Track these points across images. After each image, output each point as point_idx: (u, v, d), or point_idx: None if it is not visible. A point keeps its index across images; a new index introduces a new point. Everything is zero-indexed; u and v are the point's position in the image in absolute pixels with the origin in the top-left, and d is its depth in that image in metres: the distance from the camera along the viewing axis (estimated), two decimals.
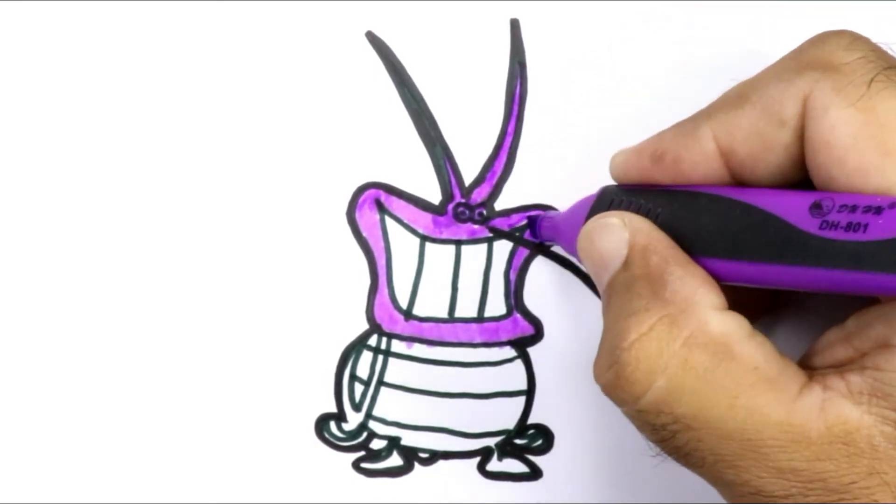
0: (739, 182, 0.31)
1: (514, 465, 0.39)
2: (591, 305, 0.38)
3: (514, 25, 0.37)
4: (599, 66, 0.37)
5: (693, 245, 0.30)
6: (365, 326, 0.38)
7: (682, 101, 0.38)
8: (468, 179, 0.38)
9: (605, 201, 0.33)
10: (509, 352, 0.38)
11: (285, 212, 0.38)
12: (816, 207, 0.27)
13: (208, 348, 0.38)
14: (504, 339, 0.38)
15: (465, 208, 0.38)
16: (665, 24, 0.37)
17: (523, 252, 0.38)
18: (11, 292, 0.38)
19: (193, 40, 0.37)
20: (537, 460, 0.39)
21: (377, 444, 0.39)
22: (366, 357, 0.38)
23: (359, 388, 0.38)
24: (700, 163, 0.31)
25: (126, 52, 0.37)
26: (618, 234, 0.31)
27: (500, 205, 0.38)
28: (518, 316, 0.38)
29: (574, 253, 0.33)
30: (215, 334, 0.38)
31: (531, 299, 0.38)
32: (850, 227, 0.26)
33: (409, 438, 0.39)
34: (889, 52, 0.30)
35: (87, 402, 0.38)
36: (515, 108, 0.38)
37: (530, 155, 0.38)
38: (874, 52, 0.28)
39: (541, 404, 0.38)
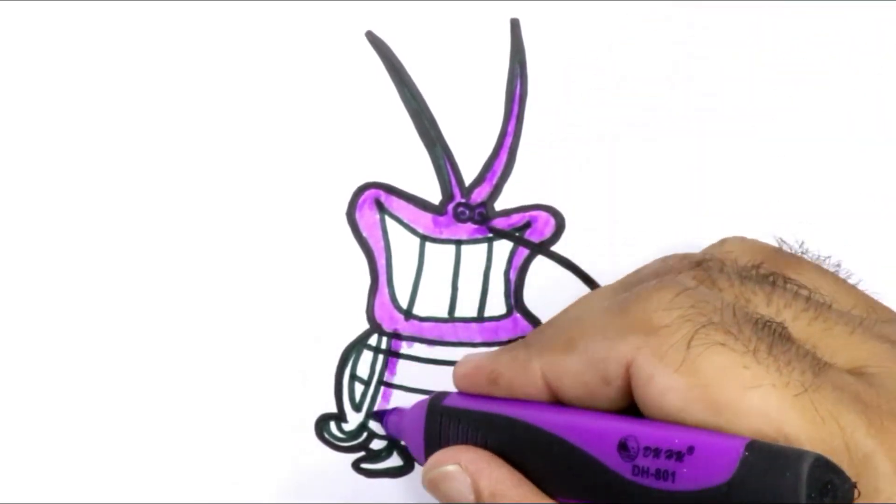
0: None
1: None
2: None
3: (514, 25, 0.37)
4: (599, 66, 0.37)
5: (529, 478, 0.31)
6: (365, 326, 0.38)
7: (682, 101, 0.38)
8: (468, 179, 0.38)
9: (436, 413, 0.34)
10: None
11: (285, 212, 0.38)
12: (623, 449, 0.27)
13: (208, 348, 0.38)
14: (504, 338, 0.38)
15: (465, 208, 0.38)
16: (665, 24, 0.37)
17: (523, 252, 0.38)
18: (11, 292, 0.38)
19: (193, 40, 0.37)
20: None
21: (377, 444, 0.39)
22: (366, 357, 0.38)
23: (359, 388, 0.38)
24: (531, 392, 0.31)
25: (126, 52, 0.37)
26: (460, 481, 0.31)
27: (500, 205, 0.38)
28: (518, 316, 0.38)
29: (417, 456, 0.35)
30: (215, 334, 0.38)
31: (531, 299, 0.38)
32: (659, 474, 0.26)
33: None
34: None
35: (88, 401, 0.38)
36: (515, 108, 0.38)
37: (530, 155, 0.38)
38: (694, 307, 0.28)
39: None
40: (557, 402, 0.31)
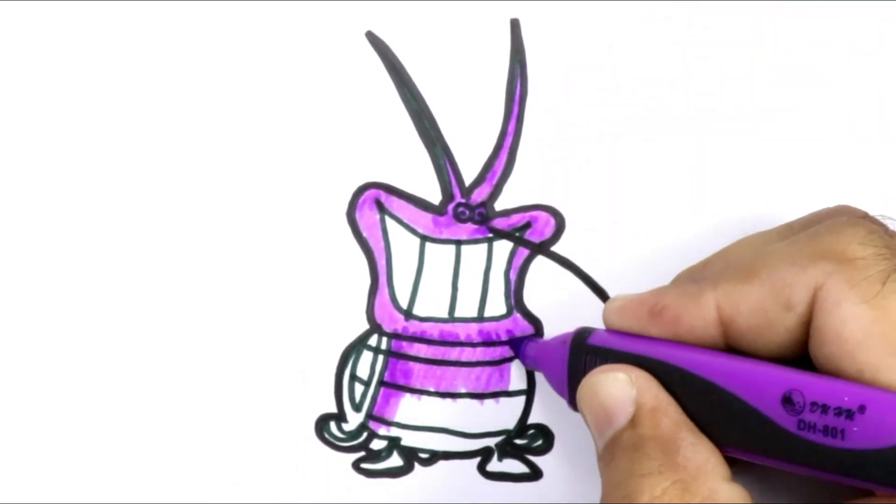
0: (733, 347, 0.30)
1: (514, 466, 0.39)
2: (591, 306, 0.38)
3: (514, 25, 0.37)
4: (599, 66, 0.37)
5: None
6: (365, 326, 0.38)
7: (682, 101, 0.38)
8: (468, 179, 0.38)
9: (581, 350, 0.33)
10: (509, 352, 0.38)
11: (286, 212, 0.38)
12: (788, 402, 0.27)
13: (209, 348, 0.38)
14: (504, 338, 0.38)
15: (465, 208, 0.38)
16: (665, 24, 0.37)
17: (523, 252, 0.38)
18: (11, 292, 0.38)
19: (194, 40, 0.37)
20: (537, 460, 0.39)
21: (377, 445, 0.39)
22: (366, 357, 0.38)
23: (359, 388, 0.38)
24: (698, 327, 0.31)
25: (126, 53, 0.37)
26: (625, 390, 0.30)
27: (500, 205, 0.38)
28: (518, 316, 0.38)
29: (559, 390, 0.34)
30: (216, 334, 0.38)
31: (531, 299, 0.38)
32: (827, 431, 0.26)
33: (409, 438, 0.39)
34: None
35: (88, 402, 0.38)
36: (515, 108, 0.38)
37: (530, 155, 0.38)
38: (889, 248, 0.28)
39: (541, 404, 0.38)
40: (723, 341, 0.30)
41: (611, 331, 0.33)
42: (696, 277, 0.32)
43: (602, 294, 0.38)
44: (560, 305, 0.38)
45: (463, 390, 0.38)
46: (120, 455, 0.38)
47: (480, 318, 0.38)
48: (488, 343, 0.38)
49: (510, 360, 0.38)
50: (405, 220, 0.38)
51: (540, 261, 0.38)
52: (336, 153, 0.38)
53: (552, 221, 0.38)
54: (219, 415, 0.38)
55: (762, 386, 0.28)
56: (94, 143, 0.37)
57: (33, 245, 0.38)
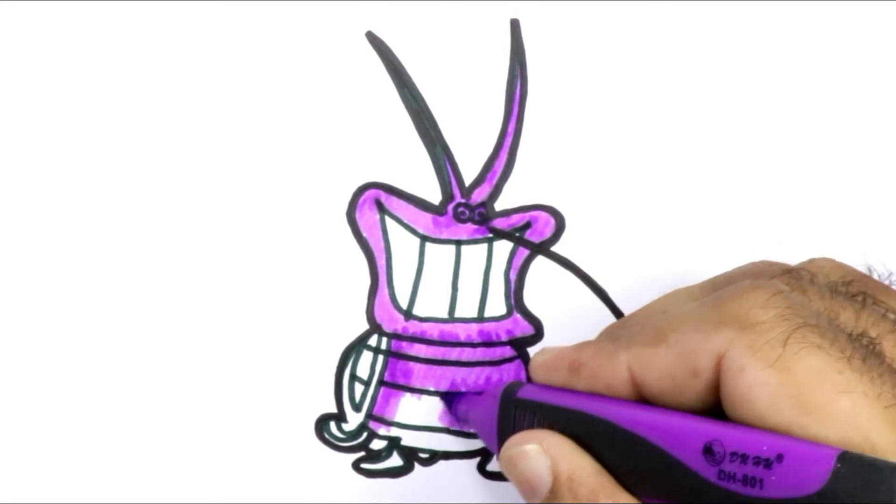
0: (651, 402, 0.31)
1: None
2: (591, 306, 0.38)
3: (514, 25, 0.37)
4: (599, 66, 0.37)
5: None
6: (365, 326, 0.38)
7: (682, 101, 0.38)
8: (468, 179, 0.38)
9: (510, 405, 0.33)
10: (509, 352, 0.38)
11: (286, 212, 0.38)
12: (709, 453, 0.27)
13: (209, 349, 0.38)
14: (504, 338, 0.38)
15: (465, 208, 0.38)
16: (665, 24, 0.37)
17: (523, 252, 0.38)
18: (12, 292, 0.38)
19: (194, 40, 0.37)
20: None
21: (377, 445, 0.39)
22: (366, 357, 0.38)
23: (359, 388, 0.38)
24: (614, 385, 0.31)
25: (126, 52, 0.37)
26: (540, 461, 0.31)
27: (500, 205, 0.38)
28: (518, 316, 0.38)
29: (489, 445, 0.34)
30: (216, 335, 0.38)
31: (531, 299, 0.38)
32: (746, 481, 0.26)
33: (409, 438, 0.39)
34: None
35: (88, 402, 0.38)
36: (515, 108, 0.38)
37: (530, 155, 0.38)
38: (790, 308, 0.28)
39: None
40: (638, 397, 0.31)
41: (539, 385, 0.33)
42: (617, 334, 0.33)
43: (602, 294, 0.38)
44: (560, 305, 0.38)
45: (463, 390, 0.38)
46: (120, 455, 0.38)
47: (480, 319, 0.38)
48: (488, 343, 0.38)
49: (510, 360, 0.38)
50: (405, 220, 0.38)
51: (540, 261, 0.38)
52: (336, 153, 0.37)
53: (552, 221, 0.38)
54: (219, 415, 0.38)
55: (684, 437, 0.28)
56: (93, 143, 0.37)
57: (33, 245, 0.37)
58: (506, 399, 0.33)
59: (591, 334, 0.35)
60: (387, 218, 0.38)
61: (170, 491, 0.38)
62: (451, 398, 0.38)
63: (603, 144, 0.38)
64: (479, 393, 0.37)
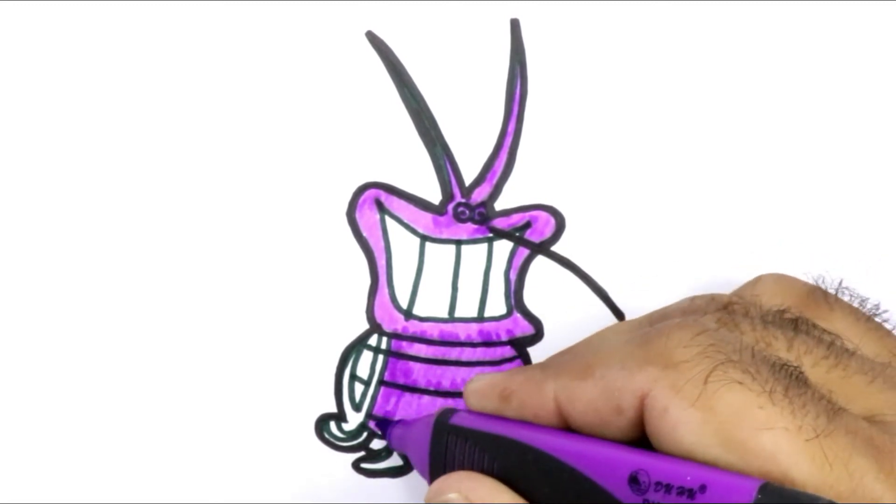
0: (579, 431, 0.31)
1: None
2: (591, 305, 0.38)
3: (514, 25, 0.37)
4: (599, 66, 0.37)
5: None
6: (365, 326, 0.38)
7: (682, 101, 0.38)
8: (468, 179, 0.38)
9: (443, 431, 0.33)
10: (509, 352, 0.38)
11: (285, 212, 0.38)
12: (634, 482, 0.27)
13: (208, 348, 0.38)
14: (504, 338, 0.38)
15: (465, 208, 0.38)
16: (665, 24, 0.37)
17: (523, 252, 0.38)
18: (12, 292, 0.38)
19: (193, 40, 0.37)
20: None
21: (377, 444, 0.39)
22: (366, 357, 0.38)
23: (359, 388, 0.38)
24: (541, 414, 0.31)
25: (126, 52, 0.37)
26: None
27: (500, 205, 0.38)
28: (518, 316, 0.38)
29: (422, 472, 0.35)
30: (215, 334, 0.38)
31: (531, 299, 0.38)
32: None
33: None
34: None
35: (87, 402, 0.38)
36: (515, 108, 0.38)
37: (530, 155, 0.38)
38: (713, 345, 0.28)
39: None
40: (566, 426, 0.31)
41: (473, 412, 0.34)
42: (548, 363, 0.33)
43: (602, 294, 0.38)
44: (560, 305, 0.38)
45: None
46: (120, 455, 0.38)
47: (480, 319, 0.38)
48: (488, 343, 0.38)
49: (510, 360, 0.38)
50: (405, 220, 0.38)
51: (540, 261, 0.38)
52: (336, 153, 0.37)
53: (552, 221, 0.38)
54: (219, 415, 0.38)
55: (610, 467, 0.28)
56: (93, 143, 0.37)
57: (33, 245, 0.37)
58: (439, 426, 0.34)
59: (591, 334, 0.35)
60: (387, 218, 0.38)
61: (170, 491, 0.38)
62: (384, 425, 0.38)
63: (603, 144, 0.38)
64: (412, 421, 0.37)
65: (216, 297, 0.38)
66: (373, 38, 0.37)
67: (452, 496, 0.32)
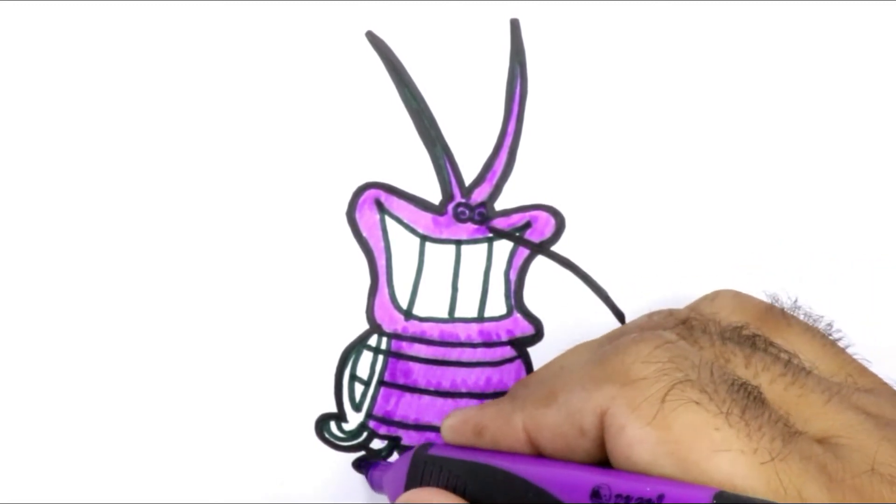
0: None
1: None
2: (592, 305, 0.38)
3: (514, 25, 0.37)
4: (599, 66, 0.37)
5: None
6: (365, 326, 0.38)
7: (682, 101, 0.38)
8: (468, 179, 0.38)
9: (419, 462, 0.34)
10: (509, 352, 0.38)
11: (285, 212, 0.38)
12: (596, 496, 0.28)
13: (208, 348, 0.38)
14: (504, 339, 0.38)
15: (465, 208, 0.38)
16: (665, 24, 0.37)
17: (523, 252, 0.38)
18: (12, 292, 0.38)
19: (193, 40, 0.37)
20: None
21: (377, 444, 0.39)
22: (366, 357, 0.38)
23: (359, 388, 0.38)
24: (514, 447, 0.32)
25: (126, 52, 0.37)
26: None
27: (500, 205, 0.38)
28: (518, 316, 0.38)
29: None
30: (215, 334, 0.38)
31: (531, 299, 0.38)
32: None
33: (409, 438, 0.39)
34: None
35: (87, 402, 0.38)
36: (515, 108, 0.38)
37: (530, 155, 0.38)
38: (672, 361, 0.29)
39: None
40: (539, 454, 0.31)
41: (449, 445, 0.34)
42: (517, 393, 0.33)
43: (602, 294, 0.38)
44: (560, 305, 0.38)
45: (463, 390, 0.38)
46: (119, 455, 0.38)
47: (480, 319, 0.38)
48: (488, 343, 0.38)
49: (510, 360, 0.38)
50: (405, 220, 0.38)
51: (540, 261, 0.38)
52: (336, 153, 0.38)
53: (552, 221, 0.38)
54: (219, 414, 0.38)
55: (573, 483, 0.29)
56: (93, 143, 0.37)
57: (33, 245, 0.37)
58: (416, 457, 0.34)
59: (591, 334, 0.35)
60: (387, 218, 0.38)
61: (169, 491, 0.38)
62: (366, 466, 0.38)
63: (603, 144, 0.38)
64: (393, 462, 0.38)
65: (216, 297, 0.38)
66: (373, 38, 0.37)
67: None
